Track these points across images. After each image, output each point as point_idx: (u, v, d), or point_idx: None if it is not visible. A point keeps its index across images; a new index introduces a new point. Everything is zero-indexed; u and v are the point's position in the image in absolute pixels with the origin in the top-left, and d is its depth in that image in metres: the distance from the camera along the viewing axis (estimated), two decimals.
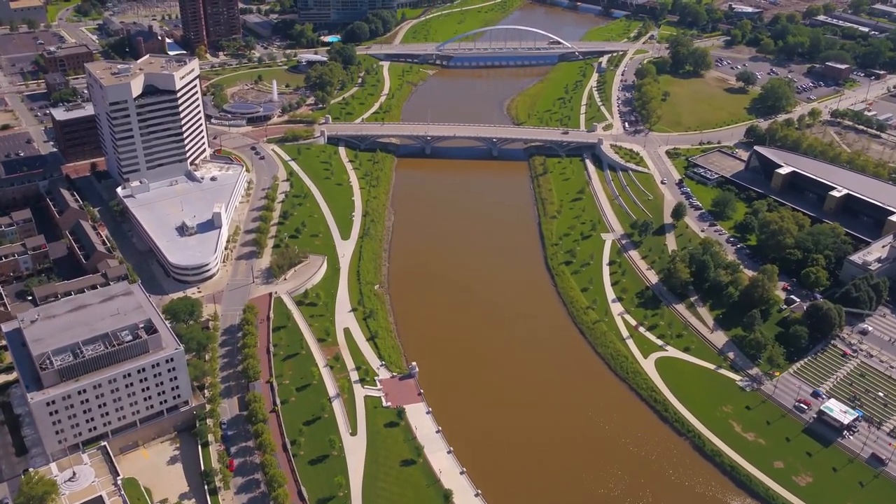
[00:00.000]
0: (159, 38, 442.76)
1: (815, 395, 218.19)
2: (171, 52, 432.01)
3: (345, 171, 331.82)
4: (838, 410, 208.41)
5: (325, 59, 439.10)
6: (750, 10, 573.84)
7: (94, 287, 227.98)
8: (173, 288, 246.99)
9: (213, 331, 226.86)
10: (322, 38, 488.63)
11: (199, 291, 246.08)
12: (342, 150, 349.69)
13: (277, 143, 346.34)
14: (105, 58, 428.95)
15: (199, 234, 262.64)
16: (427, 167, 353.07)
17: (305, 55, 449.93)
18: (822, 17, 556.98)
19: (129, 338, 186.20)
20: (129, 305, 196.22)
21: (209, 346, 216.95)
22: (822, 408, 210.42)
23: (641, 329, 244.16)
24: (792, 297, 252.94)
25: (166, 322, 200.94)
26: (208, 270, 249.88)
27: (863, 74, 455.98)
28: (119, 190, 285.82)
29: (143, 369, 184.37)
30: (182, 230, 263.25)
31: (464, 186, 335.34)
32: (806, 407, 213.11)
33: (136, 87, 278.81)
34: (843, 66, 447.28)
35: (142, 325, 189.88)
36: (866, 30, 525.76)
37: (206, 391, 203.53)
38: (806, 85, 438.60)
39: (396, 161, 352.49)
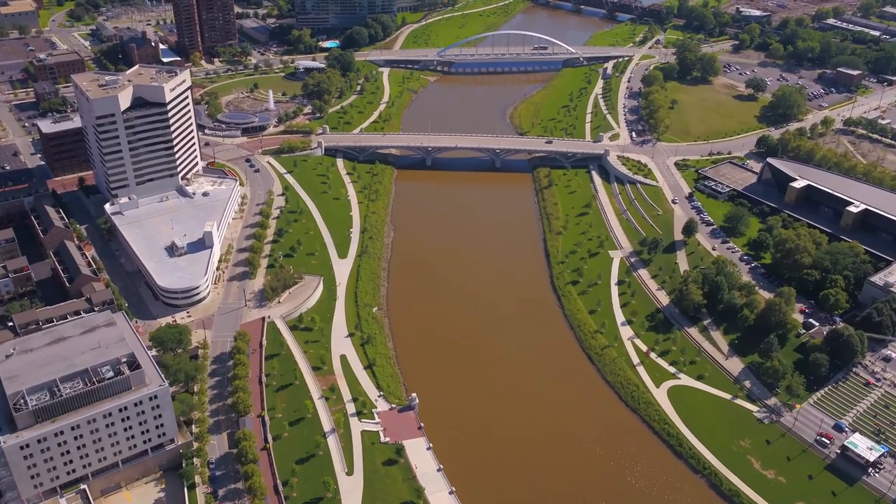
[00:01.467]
0: (153, 44, 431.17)
1: (838, 428, 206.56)
2: (165, 59, 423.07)
3: (342, 184, 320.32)
4: (863, 446, 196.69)
5: (323, 65, 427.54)
6: (758, 13, 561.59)
7: (77, 313, 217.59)
8: (162, 312, 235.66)
9: (203, 359, 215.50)
10: (320, 43, 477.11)
11: (189, 316, 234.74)
12: (340, 162, 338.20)
13: (273, 155, 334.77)
14: (97, 65, 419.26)
15: (189, 254, 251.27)
16: (428, 179, 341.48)
17: (303, 62, 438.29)
18: (831, 21, 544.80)
19: (111, 374, 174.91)
20: (111, 337, 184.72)
21: (198, 377, 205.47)
22: (845, 443, 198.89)
23: (653, 355, 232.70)
24: (811, 320, 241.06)
25: (151, 355, 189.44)
26: (198, 293, 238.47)
27: (875, 80, 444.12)
28: (107, 207, 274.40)
29: (125, 408, 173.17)
30: (172, 250, 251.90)
31: (466, 200, 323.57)
32: (828, 441, 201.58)
33: (125, 99, 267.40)
34: (855, 72, 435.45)
35: (124, 360, 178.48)
36: (877, 34, 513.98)
37: (193, 427, 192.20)
38: (817, 91, 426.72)
39: (396, 173, 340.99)
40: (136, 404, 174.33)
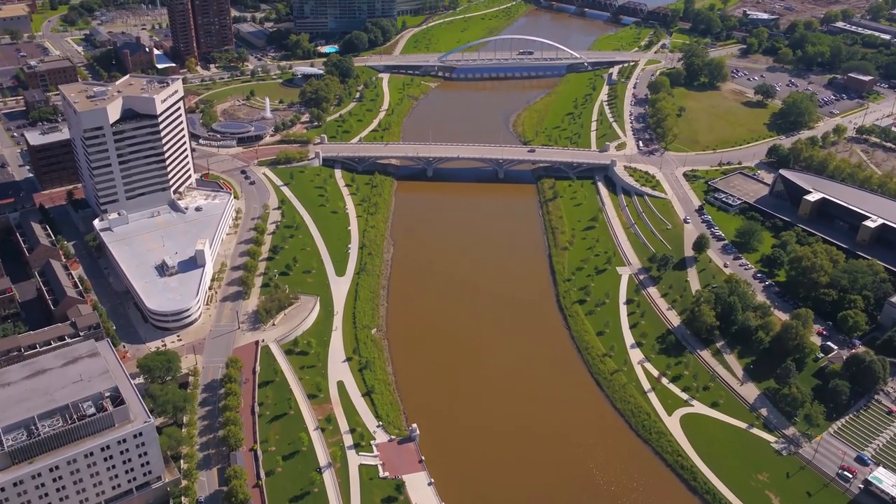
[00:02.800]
0: (147, 50, 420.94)
1: (860, 460, 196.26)
2: (159, 65, 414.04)
3: (341, 196, 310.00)
4: (888, 482, 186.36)
5: (322, 71, 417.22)
6: (765, 16, 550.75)
7: (61, 338, 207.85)
8: (151, 335, 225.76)
9: (193, 388, 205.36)
10: (319, 48, 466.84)
11: (180, 339, 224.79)
12: (338, 173, 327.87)
13: (269, 166, 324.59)
14: (90, 72, 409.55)
15: (180, 273, 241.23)
16: (429, 191, 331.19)
17: (301, 68, 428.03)
18: (840, 24, 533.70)
19: (93, 410, 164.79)
20: (93, 369, 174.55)
21: (187, 407, 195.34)
22: (869, 477, 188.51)
23: (664, 380, 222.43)
24: (829, 344, 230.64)
25: (137, 386, 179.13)
26: (189, 316, 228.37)
27: (887, 86, 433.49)
28: (96, 223, 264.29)
29: (108, 447, 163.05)
30: (162, 269, 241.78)
31: (468, 213, 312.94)
32: (851, 475, 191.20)
33: (114, 111, 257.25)
34: (866, 78, 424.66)
35: (107, 395, 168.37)
36: (888, 37, 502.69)
37: (182, 462, 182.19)
38: (828, 98, 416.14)
39: (396, 184, 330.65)
40: (119, 442, 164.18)
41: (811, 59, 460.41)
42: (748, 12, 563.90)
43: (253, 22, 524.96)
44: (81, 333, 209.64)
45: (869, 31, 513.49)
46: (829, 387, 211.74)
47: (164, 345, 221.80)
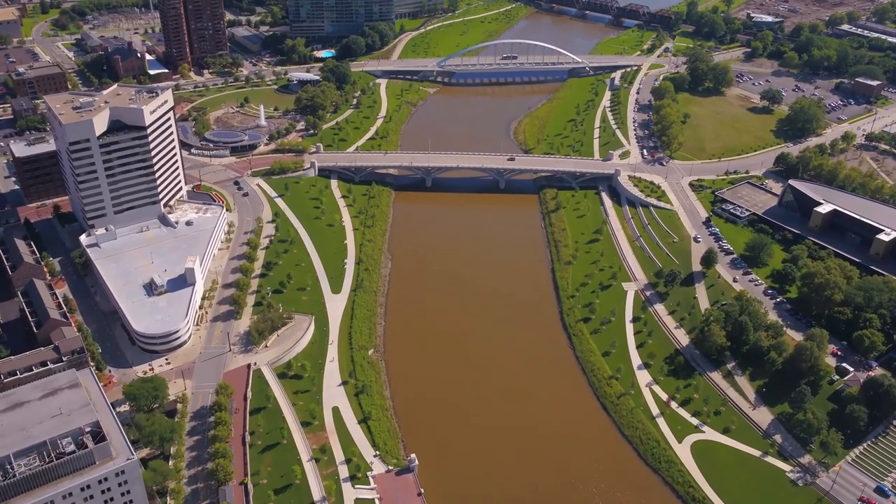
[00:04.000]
0: (139, 55, 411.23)
1: (880, 491, 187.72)
2: (151, 71, 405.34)
3: (337, 208, 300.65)
4: None
5: (318, 77, 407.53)
6: (770, 19, 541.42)
7: (44, 363, 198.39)
8: (138, 358, 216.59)
9: (181, 416, 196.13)
10: (315, 53, 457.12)
11: (168, 363, 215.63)
12: (334, 184, 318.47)
13: (263, 177, 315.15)
14: (80, 78, 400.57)
15: (169, 292, 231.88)
16: (428, 201, 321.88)
17: (296, 73, 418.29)
18: (846, 27, 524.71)
19: (72, 447, 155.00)
20: (74, 402, 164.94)
21: (174, 438, 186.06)
22: None
23: (673, 404, 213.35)
24: (844, 365, 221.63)
25: (122, 416, 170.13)
26: (178, 338, 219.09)
27: (894, 91, 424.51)
28: (82, 238, 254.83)
29: (88, 486, 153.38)
30: (150, 288, 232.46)
31: (468, 226, 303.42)
32: None
33: (100, 123, 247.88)
34: (874, 83, 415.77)
35: (88, 430, 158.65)
36: (895, 40, 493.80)
37: (168, 499, 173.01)
38: (835, 103, 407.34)
39: (394, 195, 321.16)
40: (100, 482, 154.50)
41: (817, 63, 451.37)
42: (752, 15, 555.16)
43: (248, 26, 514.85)
44: (65, 358, 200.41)
45: (875, 34, 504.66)
46: (846, 412, 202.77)
47: (152, 368, 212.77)
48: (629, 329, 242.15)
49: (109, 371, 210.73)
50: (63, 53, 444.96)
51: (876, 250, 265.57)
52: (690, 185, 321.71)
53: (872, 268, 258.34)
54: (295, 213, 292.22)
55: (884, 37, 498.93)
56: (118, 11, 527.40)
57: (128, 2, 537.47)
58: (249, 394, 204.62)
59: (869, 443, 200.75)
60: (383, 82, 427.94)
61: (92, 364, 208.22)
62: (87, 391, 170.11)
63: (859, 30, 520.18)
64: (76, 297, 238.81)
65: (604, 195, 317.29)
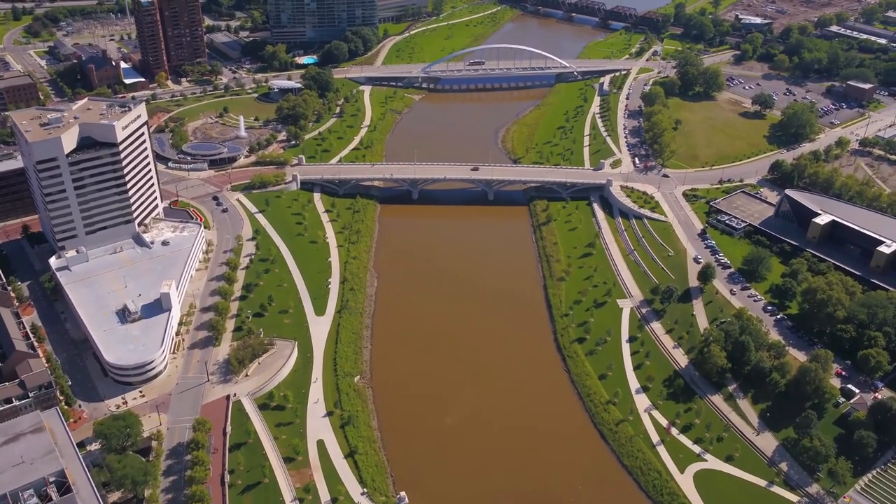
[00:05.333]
0: (114, 63, 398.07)
1: None
2: (127, 80, 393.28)
3: (320, 224, 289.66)
4: None
5: (300, 84, 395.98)
6: (758, 20, 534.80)
7: (8, 401, 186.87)
8: (111, 391, 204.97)
9: (156, 455, 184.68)
10: (296, 59, 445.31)
11: (143, 395, 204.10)
12: (317, 197, 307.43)
13: (243, 191, 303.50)
14: (53, 88, 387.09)
15: (144, 319, 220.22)
16: (414, 215, 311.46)
17: (277, 81, 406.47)
18: (834, 28, 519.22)
19: (35, 501, 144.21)
20: (37, 448, 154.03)
21: (148, 480, 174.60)
22: None
23: (674, 431, 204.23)
24: (849, 386, 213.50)
25: (87, 466, 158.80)
26: (153, 369, 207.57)
27: (887, 94, 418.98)
28: (52, 261, 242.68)
29: None
30: (123, 315, 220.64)
31: (456, 240, 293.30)
32: None
33: (69, 141, 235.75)
34: (866, 86, 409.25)
35: (52, 480, 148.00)
36: (884, 41, 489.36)
37: None
38: (827, 107, 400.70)
39: (379, 208, 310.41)
40: None
41: (808, 65, 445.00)
42: (741, 16, 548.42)
43: (227, 31, 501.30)
44: (31, 394, 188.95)
45: (865, 36, 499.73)
46: (854, 438, 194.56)
47: (125, 402, 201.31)
48: (626, 349, 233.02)
49: (79, 406, 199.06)
50: (35, 62, 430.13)
51: (877, 263, 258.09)
52: (684, 194, 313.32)
53: (874, 281, 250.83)
54: (276, 229, 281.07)
55: (873, 38, 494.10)
56: (93, 18, 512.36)
57: (103, 7, 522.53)
58: (229, 428, 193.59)
59: (878, 470, 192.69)
60: (367, 89, 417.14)
61: (61, 398, 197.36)
62: (53, 435, 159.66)
63: (848, 31, 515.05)
64: (45, 325, 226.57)
65: (596, 206, 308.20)
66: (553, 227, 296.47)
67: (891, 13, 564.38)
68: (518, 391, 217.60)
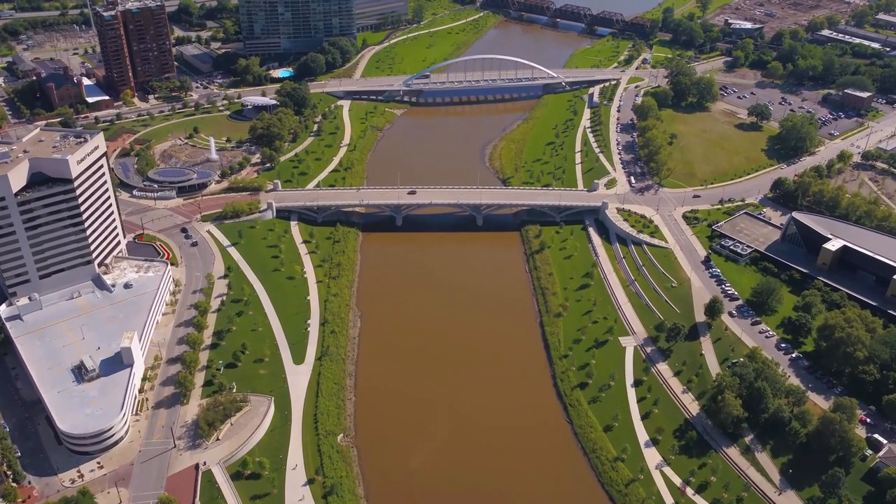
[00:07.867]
0: (76, 80, 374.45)
1: None
2: (90, 98, 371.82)
3: (297, 257, 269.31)
4: None
5: (274, 101, 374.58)
6: (748, 25, 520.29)
7: None
8: (65, 463, 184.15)
9: None
10: (271, 72, 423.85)
11: (101, 466, 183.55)
12: (294, 227, 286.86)
13: (214, 222, 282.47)
14: (9, 108, 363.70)
15: (102, 377, 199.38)
16: (398, 243, 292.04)
17: (251, 98, 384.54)
18: (826, 33, 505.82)
19: None
20: None
21: None
22: None
23: (689, 491, 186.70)
24: (876, 436, 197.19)
25: None
26: (112, 436, 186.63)
27: (884, 101, 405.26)
28: (2, 310, 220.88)
29: None
30: (80, 374, 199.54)
31: (445, 272, 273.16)
32: None
33: (18, 178, 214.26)
34: (864, 95, 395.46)
35: None
36: (878, 46, 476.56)
37: None
38: (825, 117, 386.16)
39: (361, 237, 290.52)
40: None
41: (802, 73, 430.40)
42: (730, 21, 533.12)
43: (198, 43, 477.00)
44: None
45: (857, 40, 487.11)
46: (886, 499, 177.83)
47: (81, 475, 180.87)
48: (631, 395, 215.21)
49: (29, 482, 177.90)
50: None
51: (893, 292, 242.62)
52: (684, 216, 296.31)
53: (891, 312, 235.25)
54: (250, 264, 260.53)
55: (866, 42, 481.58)
56: (55, 30, 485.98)
57: (66, 19, 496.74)
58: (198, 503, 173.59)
59: None
60: (346, 104, 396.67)
61: (9, 474, 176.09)
62: None
63: (840, 35, 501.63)
64: None
65: (591, 231, 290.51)
66: (547, 254, 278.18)
67: (882, 16, 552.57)
68: (517, 445, 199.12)
